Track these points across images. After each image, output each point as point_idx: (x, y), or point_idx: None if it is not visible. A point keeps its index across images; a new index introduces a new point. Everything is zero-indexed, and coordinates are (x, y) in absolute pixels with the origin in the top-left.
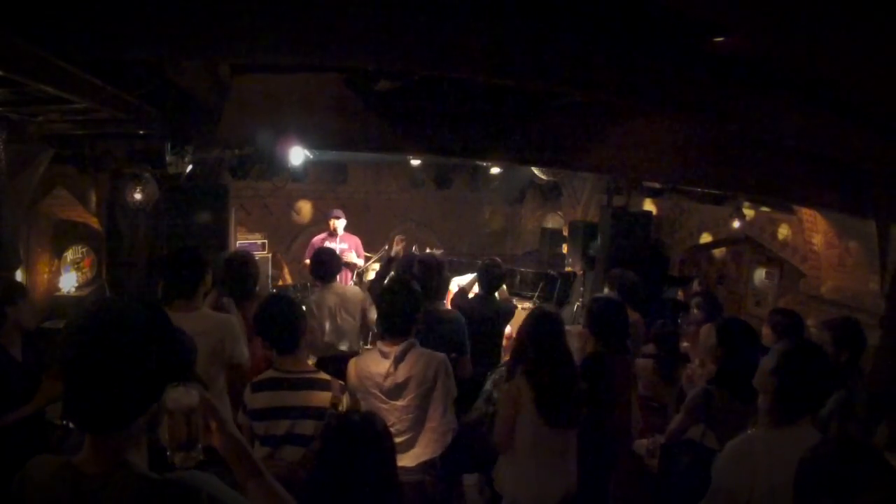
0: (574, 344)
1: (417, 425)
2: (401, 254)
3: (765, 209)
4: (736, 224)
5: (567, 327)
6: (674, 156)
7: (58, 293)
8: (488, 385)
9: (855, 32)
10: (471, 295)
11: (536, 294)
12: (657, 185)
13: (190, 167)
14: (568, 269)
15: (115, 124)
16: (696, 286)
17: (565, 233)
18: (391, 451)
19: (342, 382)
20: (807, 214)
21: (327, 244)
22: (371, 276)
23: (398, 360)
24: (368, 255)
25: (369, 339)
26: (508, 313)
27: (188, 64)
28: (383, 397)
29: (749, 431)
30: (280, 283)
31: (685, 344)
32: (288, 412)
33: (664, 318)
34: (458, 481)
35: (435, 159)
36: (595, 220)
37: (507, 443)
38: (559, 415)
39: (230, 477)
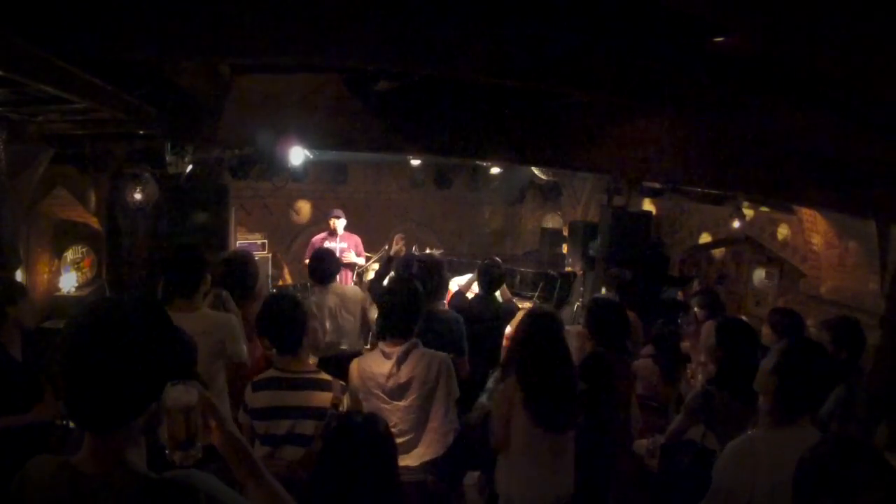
0: (573, 344)
1: (420, 425)
2: (401, 253)
3: (764, 209)
4: (736, 224)
5: (567, 327)
6: (674, 156)
7: (58, 293)
8: (490, 383)
9: (855, 32)
10: (470, 295)
11: (536, 294)
12: (657, 185)
13: (190, 167)
14: (568, 269)
15: (115, 124)
16: (696, 286)
17: (565, 233)
18: (393, 453)
19: (343, 383)
20: (807, 214)
21: (327, 244)
22: (371, 275)
23: (401, 361)
24: (368, 254)
25: (369, 338)
26: (509, 313)
27: (188, 64)
28: (386, 398)
29: (749, 432)
30: (280, 283)
31: (685, 344)
32: (289, 412)
33: (664, 318)
34: (459, 481)
35: (435, 159)
36: (595, 220)
37: (503, 443)
38: (552, 416)
39: (229, 475)
